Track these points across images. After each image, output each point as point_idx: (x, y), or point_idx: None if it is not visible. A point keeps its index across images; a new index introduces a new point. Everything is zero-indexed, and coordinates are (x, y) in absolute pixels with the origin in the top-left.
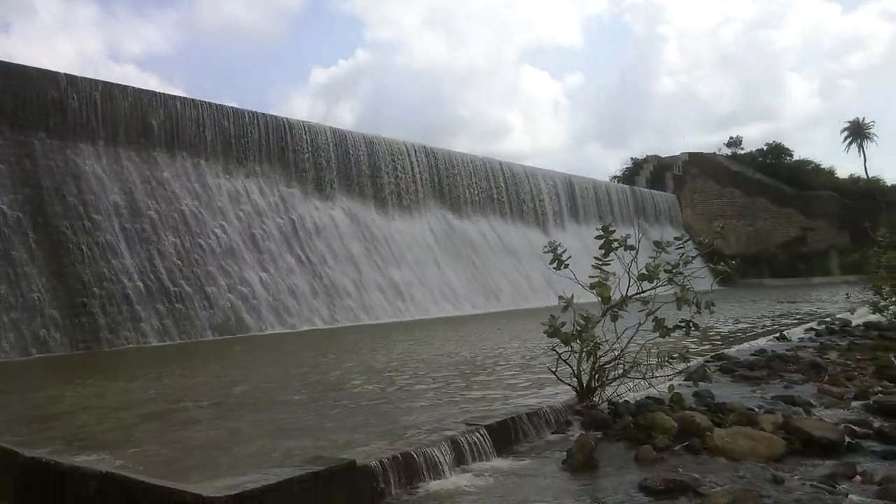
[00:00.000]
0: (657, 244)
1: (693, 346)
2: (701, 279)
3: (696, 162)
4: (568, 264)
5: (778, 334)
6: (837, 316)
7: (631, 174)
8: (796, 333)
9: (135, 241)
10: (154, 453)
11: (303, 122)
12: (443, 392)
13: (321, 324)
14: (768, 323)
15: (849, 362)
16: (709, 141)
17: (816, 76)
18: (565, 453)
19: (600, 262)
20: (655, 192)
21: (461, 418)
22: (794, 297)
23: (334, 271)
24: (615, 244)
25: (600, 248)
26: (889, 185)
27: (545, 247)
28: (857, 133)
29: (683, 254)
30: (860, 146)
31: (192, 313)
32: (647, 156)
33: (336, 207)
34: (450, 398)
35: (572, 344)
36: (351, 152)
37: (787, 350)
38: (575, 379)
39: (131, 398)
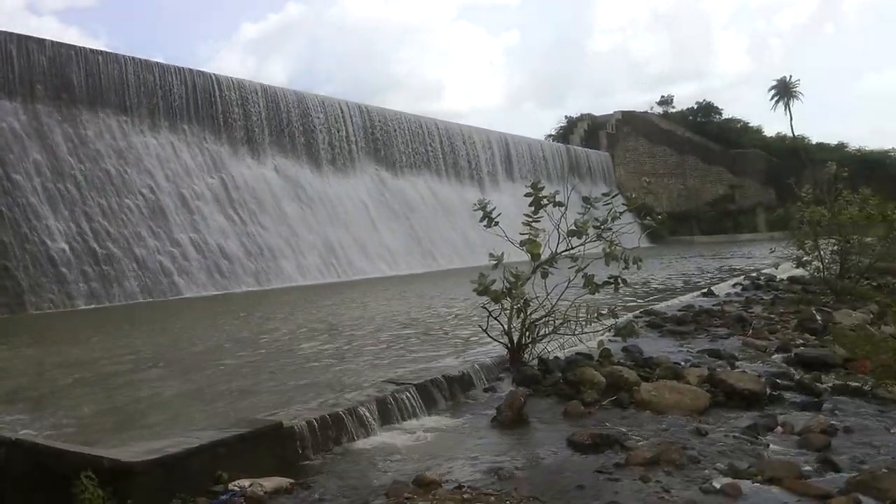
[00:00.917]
0: (586, 200)
1: (623, 301)
2: (630, 235)
3: (629, 120)
4: (498, 222)
5: (705, 290)
6: (763, 271)
7: (566, 133)
8: (723, 289)
9: (58, 201)
10: (74, 418)
11: (231, 78)
12: (374, 351)
13: (255, 285)
14: (697, 278)
15: (772, 316)
16: (643, 100)
17: (746, 35)
18: (495, 410)
19: (530, 220)
20: (589, 150)
21: (391, 377)
22: (721, 253)
23: (268, 232)
24: (544, 201)
25: (530, 205)
26: (814, 143)
27: (475, 205)
28: (784, 92)
29: (611, 209)
30: (787, 105)
31: (122, 276)
32: (582, 114)
33: (268, 166)
34: (381, 357)
35: (502, 301)
36: (283, 110)
37: (713, 305)
38: (506, 336)
39: (53, 361)
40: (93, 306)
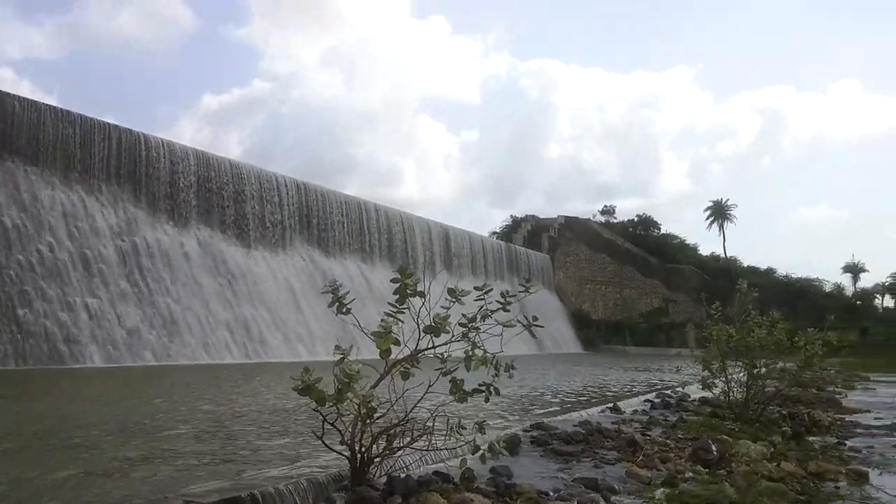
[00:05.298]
0: (451, 292)
1: (519, 410)
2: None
3: (571, 226)
4: (350, 309)
5: (612, 404)
6: (677, 388)
7: (510, 232)
8: (632, 404)
9: None
10: None
11: (161, 139)
12: (191, 453)
13: (152, 360)
14: (611, 390)
15: (669, 441)
16: (590, 209)
17: (689, 158)
18: None
19: (395, 310)
20: (531, 251)
21: (184, 491)
22: (647, 366)
23: (177, 303)
24: (408, 291)
25: (395, 292)
26: (745, 265)
27: (325, 286)
28: (719, 214)
29: (482, 306)
30: (721, 226)
31: None
32: (527, 215)
33: (189, 235)
34: (190, 462)
35: (337, 406)
36: (214, 178)
37: (612, 423)
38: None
39: None
40: None
